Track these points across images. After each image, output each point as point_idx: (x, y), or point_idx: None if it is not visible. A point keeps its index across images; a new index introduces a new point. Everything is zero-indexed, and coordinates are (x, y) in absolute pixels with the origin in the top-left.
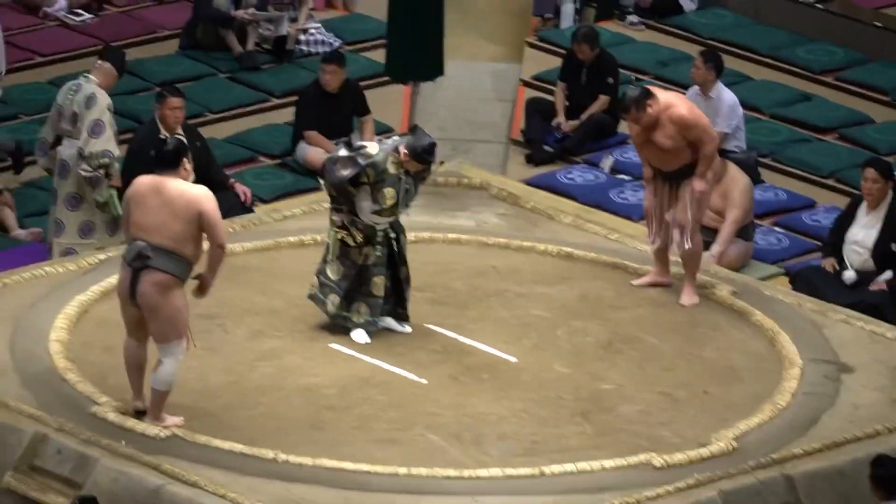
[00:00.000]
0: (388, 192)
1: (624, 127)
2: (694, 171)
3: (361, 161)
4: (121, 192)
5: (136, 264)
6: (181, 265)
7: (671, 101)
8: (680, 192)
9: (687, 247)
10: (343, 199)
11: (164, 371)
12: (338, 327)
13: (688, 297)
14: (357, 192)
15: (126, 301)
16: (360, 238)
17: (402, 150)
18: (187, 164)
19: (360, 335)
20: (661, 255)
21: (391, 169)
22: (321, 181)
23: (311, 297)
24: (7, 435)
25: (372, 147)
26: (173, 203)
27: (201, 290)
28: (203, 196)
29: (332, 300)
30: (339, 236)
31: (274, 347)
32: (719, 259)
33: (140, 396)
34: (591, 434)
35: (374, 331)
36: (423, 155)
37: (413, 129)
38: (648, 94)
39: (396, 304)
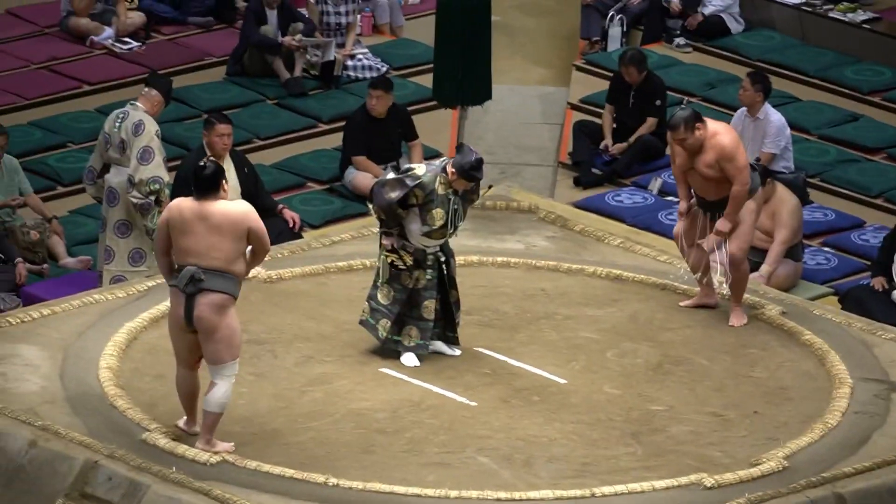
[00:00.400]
0: (438, 213)
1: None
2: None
3: (409, 182)
4: None
5: (191, 289)
6: (233, 283)
7: (717, 130)
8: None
9: (726, 280)
10: (392, 221)
11: (218, 393)
12: (388, 352)
13: (736, 319)
14: (406, 215)
15: (181, 328)
16: (409, 261)
17: (450, 168)
18: (226, 186)
19: (410, 359)
20: (703, 278)
21: (440, 189)
22: (370, 206)
23: (363, 322)
24: (58, 463)
25: (419, 168)
26: (221, 226)
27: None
28: (248, 211)
29: (383, 325)
30: (389, 260)
31: (324, 372)
32: (768, 279)
33: (195, 421)
34: (641, 455)
35: (424, 354)
36: (470, 172)
37: (459, 147)
38: (699, 118)
39: (446, 327)
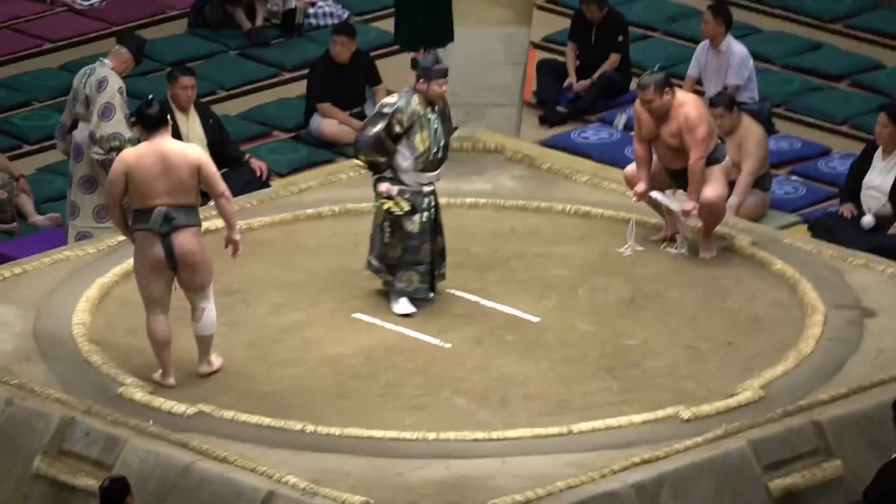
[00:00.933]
0: (421, 137)
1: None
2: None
3: (387, 111)
4: None
5: (166, 228)
6: (197, 214)
7: (685, 101)
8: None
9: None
10: (383, 158)
11: (211, 314)
12: (360, 297)
13: (706, 251)
14: (395, 148)
15: (159, 269)
16: (406, 206)
17: (417, 84)
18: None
19: (403, 306)
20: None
21: (419, 109)
22: (359, 158)
23: (385, 283)
24: (35, 420)
25: (390, 98)
26: (179, 164)
27: (235, 247)
28: (199, 150)
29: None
30: (385, 207)
31: (296, 320)
32: (737, 210)
33: (171, 372)
34: (617, 390)
35: (420, 297)
36: (434, 69)
37: (413, 61)
38: (669, 83)
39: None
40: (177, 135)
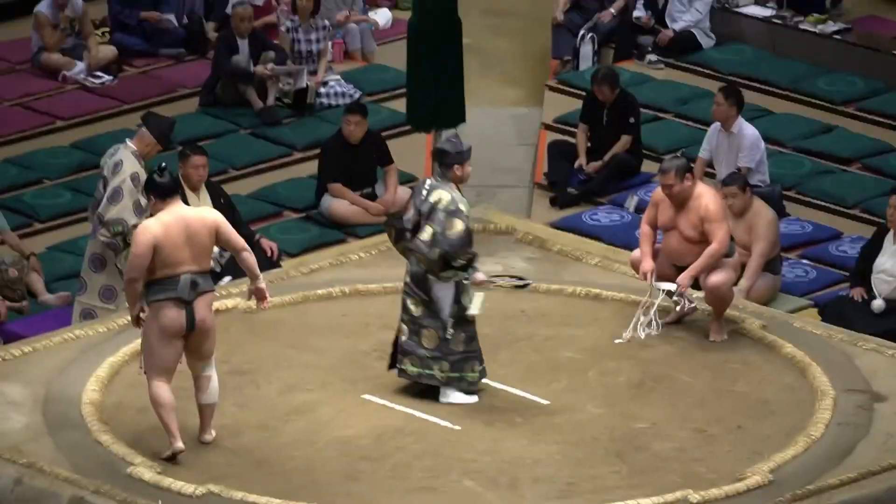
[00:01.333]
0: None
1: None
2: None
3: (461, 207)
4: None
5: (192, 295)
6: (211, 279)
7: (703, 192)
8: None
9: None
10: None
11: (214, 383)
12: (370, 378)
13: (716, 334)
14: None
15: (178, 337)
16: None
17: (456, 168)
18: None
19: (469, 397)
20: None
21: (456, 195)
22: (457, 262)
23: (447, 382)
24: (44, 499)
25: (443, 194)
26: (199, 226)
27: (263, 297)
28: (212, 211)
29: (440, 367)
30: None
31: (306, 401)
32: (747, 293)
33: (179, 436)
34: (626, 474)
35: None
36: (464, 150)
37: (438, 151)
38: (690, 169)
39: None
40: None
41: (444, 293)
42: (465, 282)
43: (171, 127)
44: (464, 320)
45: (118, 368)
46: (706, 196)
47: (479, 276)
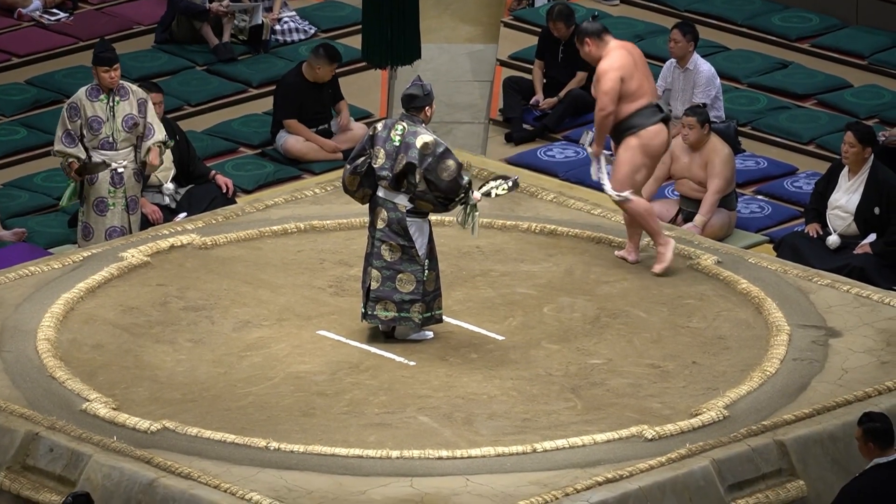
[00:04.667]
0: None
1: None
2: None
3: (448, 147)
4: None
5: None
6: None
7: (607, 52)
8: None
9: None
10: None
11: None
12: (325, 315)
13: (658, 264)
14: None
15: None
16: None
17: (427, 110)
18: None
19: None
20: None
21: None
22: (472, 194)
23: (412, 323)
24: None
25: (427, 137)
26: None
27: None
28: None
29: (417, 309)
30: (499, 189)
31: (261, 336)
32: (703, 229)
33: None
34: (581, 409)
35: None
36: (426, 96)
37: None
38: (589, 34)
39: None
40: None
41: (420, 234)
42: (466, 205)
43: (101, 45)
44: (434, 259)
45: (73, 304)
46: (606, 57)
47: (476, 194)
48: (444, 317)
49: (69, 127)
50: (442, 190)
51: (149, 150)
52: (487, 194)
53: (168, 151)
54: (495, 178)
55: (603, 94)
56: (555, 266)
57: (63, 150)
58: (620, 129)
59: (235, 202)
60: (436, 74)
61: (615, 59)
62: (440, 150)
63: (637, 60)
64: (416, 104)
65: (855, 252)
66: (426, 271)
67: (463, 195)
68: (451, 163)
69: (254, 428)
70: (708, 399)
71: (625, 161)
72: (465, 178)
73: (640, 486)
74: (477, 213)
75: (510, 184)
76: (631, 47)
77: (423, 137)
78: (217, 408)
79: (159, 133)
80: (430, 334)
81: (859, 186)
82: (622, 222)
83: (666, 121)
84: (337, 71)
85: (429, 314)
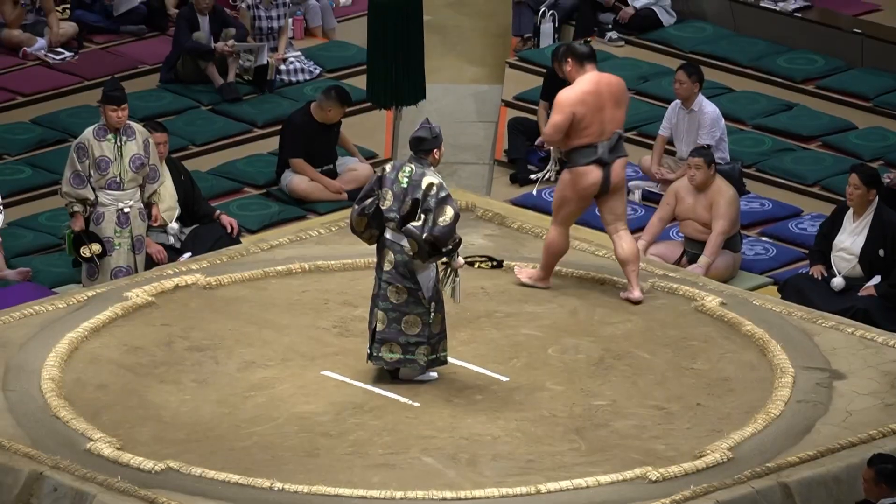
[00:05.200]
0: (449, 210)
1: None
2: None
3: (449, 191)
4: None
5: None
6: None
7: (581, 78)
8: None
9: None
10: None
11: None
12: (330, 355)
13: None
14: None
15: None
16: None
17: (435, 152)
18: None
19: (434, 373)
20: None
21: (441, 180)
22: (451, 250)
23: (417, 367)
24: (3, 475)
25: (434, 178)
26: None
27: None
28: None
29: (423, 351)
30: (477, 266)
31: (266, 377)
32: (707, 270)
33: None
34: (585, 451)
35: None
36: (434, 138)
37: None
38: (568, 55)
39: None
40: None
41: (426, 277)
42: (448, 266)
43: (110, 84)
44: (440, 302)
45: (77, 344)
46: (578, 80)
47: (460, 260)
48: (448, 358)
49: (78, 168)
50: (434, 235)
51: (150, 202)
52: (471, 263)
53: (172, 190)
54: (482, 256)
55: (551, 125)
56: (559, 307)
57: (71, 192)
58: (565, 160)
59: (240, 242)
60: (441, 115)
61: (576, 94)
62: (443, 194)
63: (605, 99)
64: (424, 147)
65: (859, 294)
66: (432, 314)
67: (450, 249)
68: (450, 210)
69: (258, 468)
70: (712, 441)
71: (556, 190)
72: (457, 236)
73: None
74: (458, 280)
75: (494, 262)
76: (606, 84)
77: (429, 178)
78: (221, 448)
79: (162, 176)
80: (434, 375)
81: (864, 228)
82: None
83: (601, 164)
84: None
85: (434, 356)
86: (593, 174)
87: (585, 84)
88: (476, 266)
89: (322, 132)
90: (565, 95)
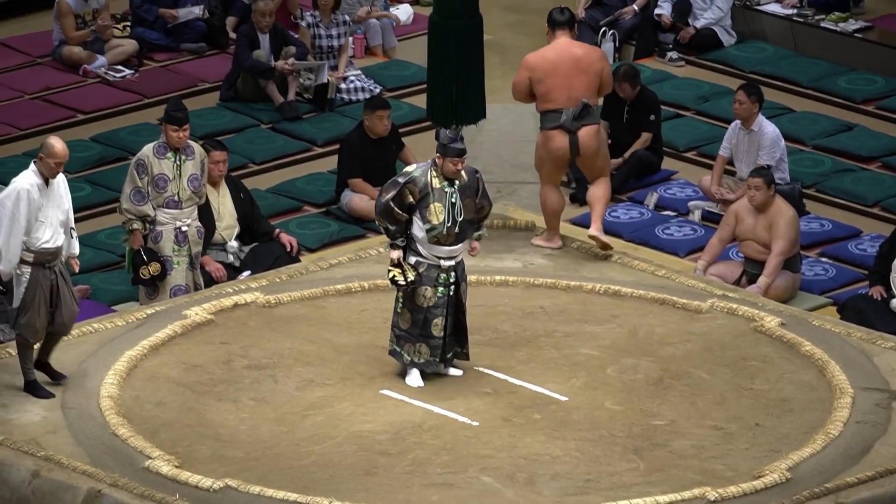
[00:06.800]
0: (436, 207)
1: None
2: None
3: (401, 179)
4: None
5: None
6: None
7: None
8: None
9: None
10: (394, 226)
11: None
12: (389, 373)
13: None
14: (403, 216)
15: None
16: (411, 276)
17: (436, 157)
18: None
19: (414, 378)
20: None
21: (435, 182)
22: (377, 222)
23: (391, 352)
24: (62, 492)
25: (410, 167)
26: None
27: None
28: None
29: (408, 350)
30: (390, 274)
31: (325, 395)
32: (766, 291)
33: None
34: (644, 470)
35: (431, 371)
36: (449, 146)
37: (437, 133)
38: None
39: (448, 348)
40: (208, 209)
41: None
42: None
43: (173, 103)
44: (411, 299)
45: (136, 362)
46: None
47: (392, 253)
48: (506, 377)
49: (138, 184)
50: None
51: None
52: (396, 265)
53: (232, 209)
54: (416, 276)
55: (513, 84)
56: (618, 327)
57: (131, 209)
58: None
59: (299, 261)
60: (500, 134)
61: (535, 58)
62: (393, 178)
63: (568, 66)
64: (438, 146)
65: None
66: (397, 303)
67: (379, 221)
68: (384, 192)
69: (316, 487)
70: (771, 461)
71: (535, 151)
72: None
73: None
74: (388, 272)
75: (413, 277)
76: (570, 52)
77: (409, 167)
78: (279, 466)
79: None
80: (414, 380)
81: None
82: (686, 283)
83: (566, 130)
84: (401, 130)
85: (397, 349)
86: (559, 139)
87: (548, 50)
88: (392, 276)
89: (378, 146)
90: (526, 58)
